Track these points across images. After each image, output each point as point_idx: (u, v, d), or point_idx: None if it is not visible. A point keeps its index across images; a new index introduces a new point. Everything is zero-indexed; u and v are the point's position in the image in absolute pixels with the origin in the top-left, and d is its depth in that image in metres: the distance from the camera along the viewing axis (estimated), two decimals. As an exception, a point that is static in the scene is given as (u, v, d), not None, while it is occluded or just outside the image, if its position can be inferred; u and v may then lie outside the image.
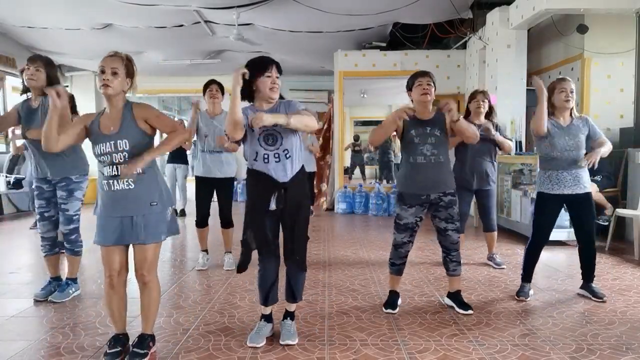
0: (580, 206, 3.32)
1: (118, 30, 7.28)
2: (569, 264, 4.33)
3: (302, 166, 2.68)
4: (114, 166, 2.34)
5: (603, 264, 4.29)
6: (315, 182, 8.41)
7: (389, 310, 3.11)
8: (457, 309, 3.11)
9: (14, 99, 8.21)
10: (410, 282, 3.81)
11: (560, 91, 3.27)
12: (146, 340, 2.42)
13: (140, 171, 2.32)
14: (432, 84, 3.06)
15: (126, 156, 2.33)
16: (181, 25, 7.12)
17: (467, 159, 4.17)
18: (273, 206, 2.55)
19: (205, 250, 4.38)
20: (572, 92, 3.26)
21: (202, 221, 4.30)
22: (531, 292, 3.44)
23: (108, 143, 2.33)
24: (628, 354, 2.47)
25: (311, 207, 7.75)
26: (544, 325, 2.87)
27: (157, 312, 2.50)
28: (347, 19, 6.83)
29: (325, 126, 8.78)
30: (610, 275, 3.98)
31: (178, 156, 7.60)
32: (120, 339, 2.45)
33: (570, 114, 3.34)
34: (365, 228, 6.55)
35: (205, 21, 6.92)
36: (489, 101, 4.21)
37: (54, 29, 7.35)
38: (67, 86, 10.00)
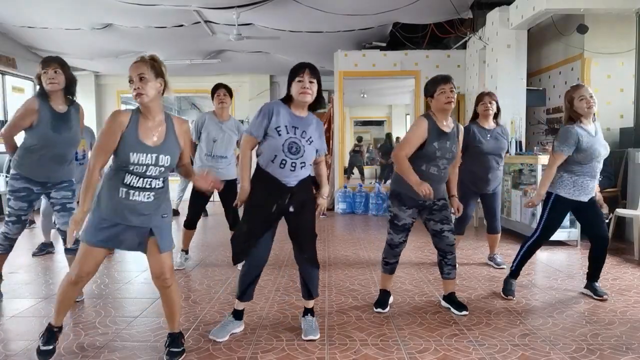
0: (588, 209, 3.32)
1: (118, 30, 7.27)
2: (569, 264, 4.33)
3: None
4: (143, 179, 2.23)
5: (603, 264, 4.29)
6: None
7: (379, 310, 3.10)
8: (453, 310, 3.11)
9: (14, 99, 8.20)
10: (410, 282, 3.81)
11: (580, 99, 3.18)
12: (178, 337, 2.48)
13: (161, 184, 2.32)
14: (454, 90, 2.95)
15: (161, 171, 2.26)
16: (181, 25, 7.11)
17: (471, 164, 3.99)
18: (291, 209, 2.64)
19: (186, 251, 4.36)
20: (591, 96, 3.17)
21: (191, 223, 4.26)
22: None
23: (150, 155, 2.20)
24: (628, 354, 2.47)
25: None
26: (544, 325, 2.87)
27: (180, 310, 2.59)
28: (347, 19, 6.82)
29: (325, 126, 8.78)
30: (610, 275, 3.97)
31: None
32: (54, 334, 2.41)
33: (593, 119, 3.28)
34: (365, 228, 6.55)
35: (205, 21, 6.92)
36: (497, 102, 4.12)
37: (54, 29, 7.35)
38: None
